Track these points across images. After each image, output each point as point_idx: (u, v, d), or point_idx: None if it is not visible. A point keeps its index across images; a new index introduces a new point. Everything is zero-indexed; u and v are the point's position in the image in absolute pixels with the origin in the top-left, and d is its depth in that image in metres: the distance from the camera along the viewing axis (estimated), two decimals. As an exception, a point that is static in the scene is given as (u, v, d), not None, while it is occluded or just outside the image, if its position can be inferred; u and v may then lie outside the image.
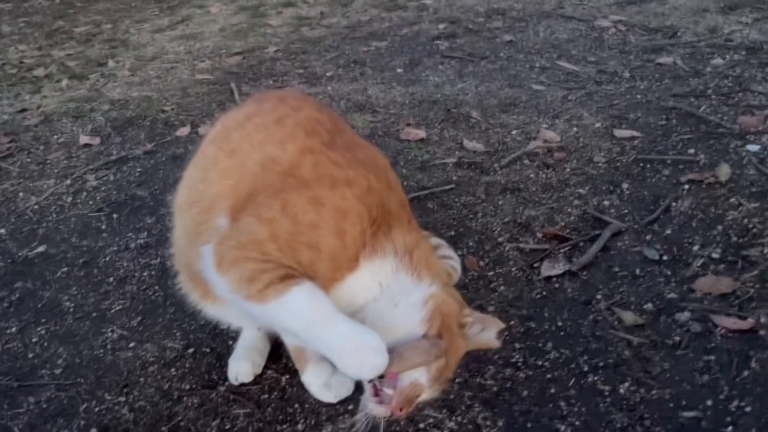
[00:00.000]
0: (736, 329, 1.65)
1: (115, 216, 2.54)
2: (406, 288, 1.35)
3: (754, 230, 2.01)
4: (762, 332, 1.63)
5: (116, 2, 6.12)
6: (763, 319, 1.66)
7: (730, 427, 1.41)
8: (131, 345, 1.87)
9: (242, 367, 1.68)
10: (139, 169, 2.89)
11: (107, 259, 2.27)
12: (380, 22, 4.77)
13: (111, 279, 2.17)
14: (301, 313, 1.24)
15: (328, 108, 1.75)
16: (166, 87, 3.85)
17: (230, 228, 1.36)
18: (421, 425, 1.51)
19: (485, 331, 1.40)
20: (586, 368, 1.62)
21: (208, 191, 1.47)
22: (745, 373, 1.53)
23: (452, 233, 2.22)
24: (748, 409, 1.44)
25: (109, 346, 1.87)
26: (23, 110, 3.66)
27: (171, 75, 4.06)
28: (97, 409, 1.65)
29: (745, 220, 2.06)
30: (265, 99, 1.68)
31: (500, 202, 2.37)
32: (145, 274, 2.18)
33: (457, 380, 1.62)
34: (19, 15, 5.98)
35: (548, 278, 1.95)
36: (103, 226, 2.48)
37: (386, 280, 1.35)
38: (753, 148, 2.46)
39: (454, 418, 1.53)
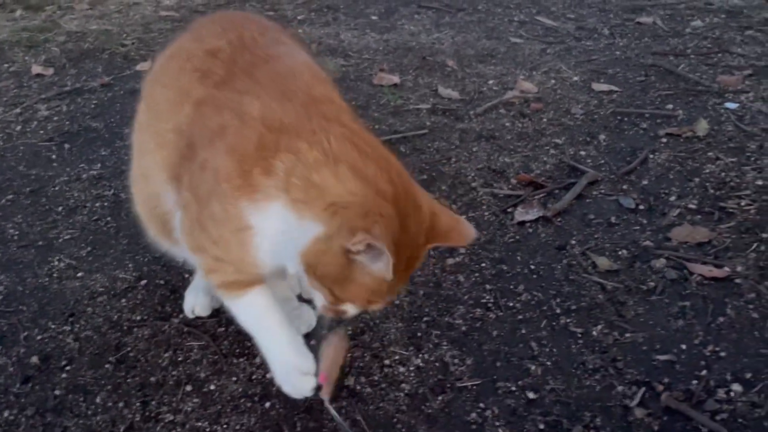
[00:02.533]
0: (711, 277, 1.61)
1: (66, 146, 2.38)
2: (293, 234, 1.08)
3: (732, 183, 1.97)
4: (738, 281, 1.59)
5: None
6: (739, 268, 1.63)
7: (705, 371, 1.37)
8: (79, 275, 1.75)
9: (200, 300, 1.58)
10: (94, 101, 2.72)
11: (56, 188, 2.13)
12: (356, -30, 4.60)
13: (60, 208, 2.03)
14: (249, 322, 1.27)
15: (246, 18, 1.50)
16: (127, 22, 3.65)
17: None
18: (387, 362, 1.44)
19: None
20: (558, 311, 1.56)
21: (151, 160, 1.36)
22: (721, 319, 1.49)
23: (424, 177, 2.13)
24: (723, 354, 1.40)
25: (55, 275, 1.74)
26: (-29, 37, 3.43)
27: (133, 10, 3.85)
28: (39, 337, 1.54)
29: (723, 174, 2.02)
30: (188, 30, 1.50)
31: (474, 149, 2.29)
32: (97, 205, 2.04)
33: (424, 319, 1.55)
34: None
35: (522, 223, 1.88)
36: (54, 156, 2.33)
37: (277, 227, 1.10)
38: (731, 105, 2.42)
39: (420, 355, 1.46)
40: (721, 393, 1.32)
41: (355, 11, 3.78)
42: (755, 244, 1.70)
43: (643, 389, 1.34)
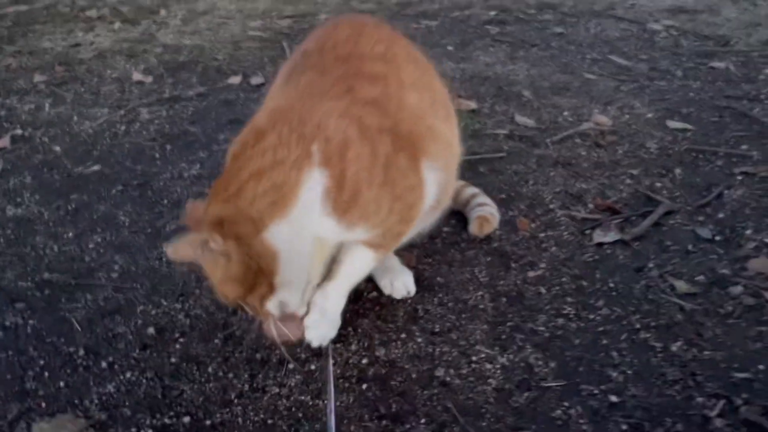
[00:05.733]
0: (789, 306, 1.66)
1: (168, 147, 2.57)
2: None
3: (808, 222, 2.02)
4: (815, 310, 1.65)
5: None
6: (817, 299, 1.68)
7: (783, 391, 1.42)
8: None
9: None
10: (191, 109, 2.92)
11: (161, 184, 2.31)
12: (431, 2, 4.79)
13: (165, 201, 2.20)
14: None
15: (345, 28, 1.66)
16: (218, 39, 3.88)
17: None
18: (474, 358, 1.54)
19: None
20: (638, 326, 1.63)
21: None
22: (798, 344, 1.55)
23: (503, 196, 2.24)
24: (801, 375, 1.46)
25: (164, 259, 1.90)
26: (77, 45, 3.71)
27: (222, 29, 4.09)
28: (154, 312, 1.68)
29: (799, 213, 2.07)
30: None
31: (551, 174, 2.38)
32: (198, 200, 2.20)
33: (508, 323, 1.65)
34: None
35: (600, 244, 1.97)
36: (157, 155, 2.51)
37: None
38: (807, 149, 2.47)
39: (505, 355, 1.55)
40: (800, 411, 1.37)
41: (431, 41, 3.94)
42: (833, 279, 1.75)
43: (723, 402, 1.40)
